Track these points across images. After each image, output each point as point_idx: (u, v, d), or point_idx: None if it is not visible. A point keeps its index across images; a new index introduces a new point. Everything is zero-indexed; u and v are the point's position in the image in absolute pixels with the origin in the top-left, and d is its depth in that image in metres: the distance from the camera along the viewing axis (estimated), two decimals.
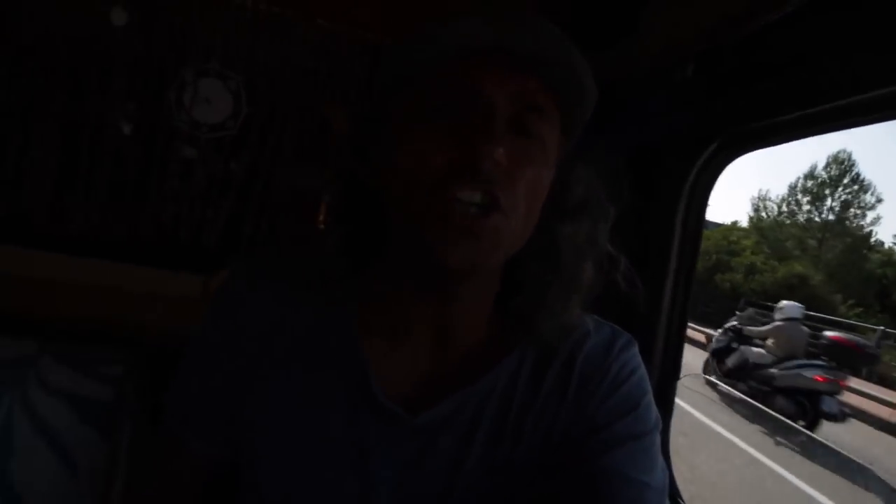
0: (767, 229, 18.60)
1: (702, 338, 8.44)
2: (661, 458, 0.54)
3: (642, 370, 0.57)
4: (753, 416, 5.80)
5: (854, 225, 17.94)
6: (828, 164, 18.30)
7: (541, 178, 0.49)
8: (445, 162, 0.45)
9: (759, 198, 21.24)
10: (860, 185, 17.83)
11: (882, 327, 10.34)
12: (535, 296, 0.54)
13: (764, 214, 19.68)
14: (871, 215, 17.83)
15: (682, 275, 0.94)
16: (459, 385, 0.53)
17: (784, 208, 19.21)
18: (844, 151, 18.26)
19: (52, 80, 1.25)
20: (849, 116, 0.64)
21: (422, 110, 0.47)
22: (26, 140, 1.27)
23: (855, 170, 17.81)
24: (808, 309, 8.01)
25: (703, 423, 5.41)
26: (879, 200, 17.44)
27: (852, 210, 18.01)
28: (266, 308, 0.55)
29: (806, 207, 18.51)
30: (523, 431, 0.53)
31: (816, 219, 18.28)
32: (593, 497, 0.50)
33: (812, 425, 5.44)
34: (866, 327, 10.86)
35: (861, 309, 13.92)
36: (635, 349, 0.58)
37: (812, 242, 17.63)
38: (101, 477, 0.83)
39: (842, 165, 18.07)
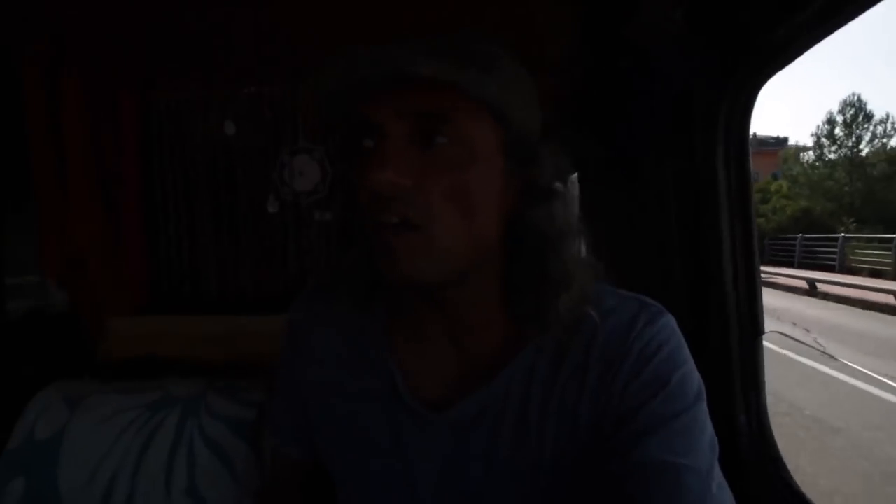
0: (799, 175, 22.26)
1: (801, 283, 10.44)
2: (708, 432, 0.50)
3: (674, 342, 0.53)
4: None
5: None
6: (841, 108, 21.48)
7: (467, 180, 0.48)
8: (366, 191, 0.49)
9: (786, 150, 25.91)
10: (870, 119, 21.05)
11: (843, 233, 15.54)
12: (529, 289, 0.53)
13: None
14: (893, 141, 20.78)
15: (738, 217, 0.87)
16: (482, 383, 0.56)
17: (811, 154, 23.01)
18: (853, 94, 21.87)
19: (200, 177, 1.66)
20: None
21: (349, 142, 0.53)
22: (192, 228, 1.69)
23: (867, 107, 21.09)
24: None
25: None
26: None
27: (869, 143, 21.19)
28: (315, 331, 0.67)
29: (833, 148, 21.92)
30: (546, 423, 0.54)
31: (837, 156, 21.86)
32: (627, 495, 0.47)
33: None
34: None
35: (856, 224, 17.73)
36: (665, 321, 0.54)
37: (842, 176, 20.88)
38: (252, 477, 1.06)
39: (853, 107, 21.29)
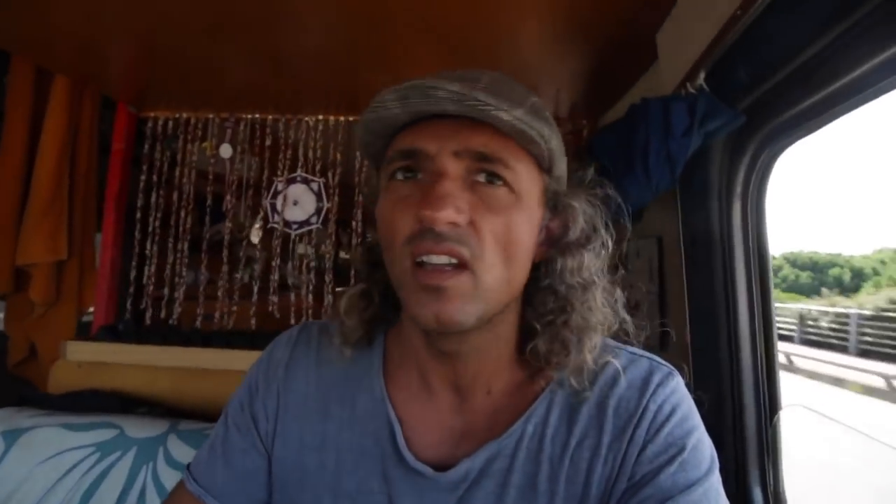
0: None
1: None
2: (722, 502, 0.49)
3: (686, 405, 0.53)
4: None
5: None
6: None
7: (513, 224, 0.48)
8: (409, 226, 0.47)
9: None
10: None
11: None
12: (547, 337, 0.53)
13: None
14: None
15: (755, 291, 0.87)
16: (488, 437, 0.54)
17: None
18: None
19: (185, 206, 1.62)
20: (866, 87, 0.61)
21: (390, 176, 0.51)
22: (173, 258, 1.63)
23: None
24: None
25: None
26: None
27: None
28: (298, 373, 0.61)
29: None
30: (557, 484, 0.52)
31: None
32: None
33: None
34: None
35: None
36: (676, 382, 0.54)
37: None
38: None
39: None
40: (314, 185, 1.62)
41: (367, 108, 0.49)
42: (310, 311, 1.61)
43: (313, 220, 1.62)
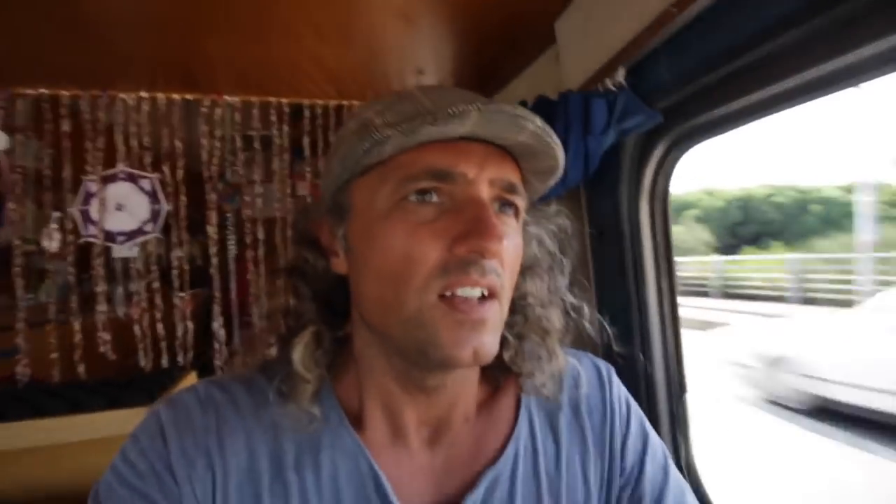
0: None
1: None
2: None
3: (627, 392, 0.62)
4: None
5: None
6: None
7: (518, 252, 0.50)
8: (437, 256, 0.44)
9: None
10: None
11: None
12: (520, 353, 0.55)
13: None
14: None
15: (663, 281, 0.93)
16: (473, 468, 0.52)
17: None
18: None
19: None
20: (782, 101, 0.67)
21: (402, 197, 0.45)
22: None
23: None
24: None
25: None
26: None
27: None
28: (234, 438, 0.49)
29: None
30: (560, 495, 0.53)
31: None
32: None
33: None
34: None
35: None
36: (614, 373, 0.61)
37: None
38: None
39: None
40: (145, 183, 1.28)
41: (405, 110, 0.45)
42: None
43: (148, 227, 1.29)
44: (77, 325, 1.26)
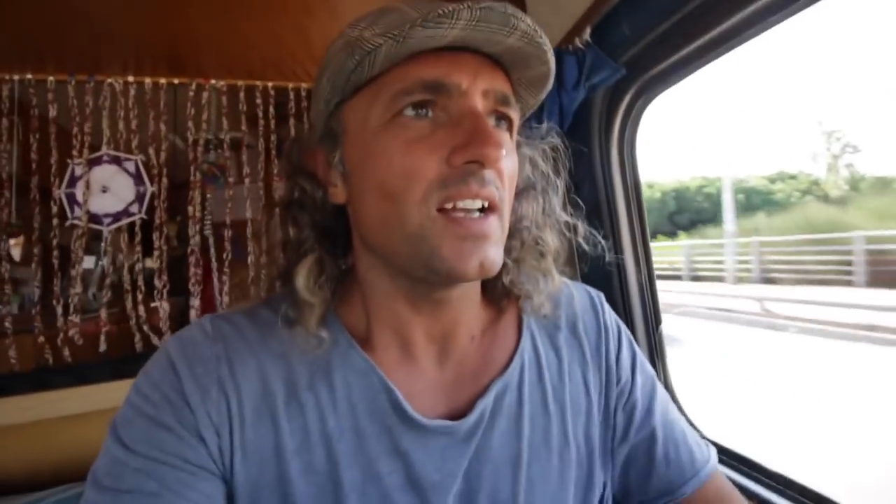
0: None
1: None
2: None
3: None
4: None
5: None
6: None
7: (515, 169, 0.50)
8: (435, 169, 0.44)
9: None
10: None
11: None
12: (518, 276, 0.57)
13: None
14: None
15: (635, 223, 1.03)
16: (481, 382, 0.54)
17: None
18: None
19: None
20: (726, 41, 0.78)
21: (396, 112, 0.45)
22: None
23: None
24: None
25: None
26: None
27: None
28: (248, 365, 0.50)
29: None
30: (564, 402, 0.57)
31: None
32: (659, 454, 0.59)
33: None
34: None
35: None
36: (604, 299, 0.65)
37: None
38: None
39: None
40: (129, 165, 1.30)
41: (392, 21, 0.43)
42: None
43: (133, 209, 1.30)
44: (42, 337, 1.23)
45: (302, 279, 0.50)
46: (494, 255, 0.46)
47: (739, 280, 11.13)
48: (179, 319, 1.44)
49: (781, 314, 7.34)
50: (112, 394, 1.06)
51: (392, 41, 0.41)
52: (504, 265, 0.53)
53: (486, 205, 0.45)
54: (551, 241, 0.58)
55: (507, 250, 0.54)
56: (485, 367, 0.55)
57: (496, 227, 0.46)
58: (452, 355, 0.54)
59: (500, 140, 0.44)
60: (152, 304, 1.35)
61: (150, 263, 1.42)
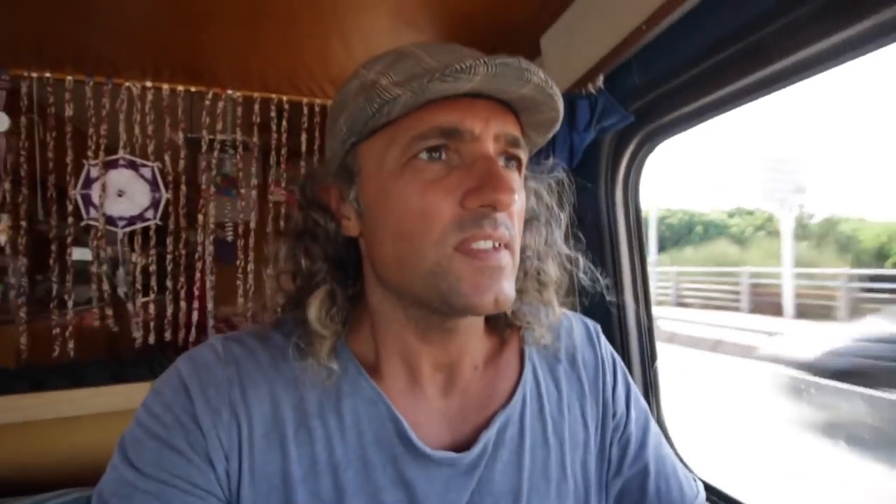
0: None
1: None
2: None
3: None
4: None
5: None
6: None
7: (524, 206, 0.52)
8: (451, 211, 0.46)
9: None
10: None
11: None
12: (518, 303, 0.58)
13: None
14: None
15: (636, 260, 1.07)
16: (484, 413, 0.56)
17: None
18: None
19: None
20: (730, 102, 0.83)
21: (411, 156, 0.47)
22: None
23: None
24: None
25: None
26: None
27: None
28: (259, 390, 0.51)
29: None
30: (563, 434, 0.59)
31: None
32: (651, 488, 0.61)
33: None
34: None
35: None
36: (600, 329, 0.68)
37: None
38: None
39: None
40: (146, 171, 1.33)
41: (410, 69, 0.46)
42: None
43: (149, 214, 1.33)
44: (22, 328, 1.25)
45: (314, 311, 0.51)
46: (509, 289, 0.48)
47: (659, 303, 12.97)
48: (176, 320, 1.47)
49: (667, 330, 8.71)
50: (106, 398, 1.09)
51: (411, 93, 0.44)
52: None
53: (497, 244, 0.47)
54: (553, 271, 0.60)
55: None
56: (488, 398, 0.57)
57: (509, 262, 0.48)
58: (457, 385, 0.56)
59: (512, 184, 0.45)
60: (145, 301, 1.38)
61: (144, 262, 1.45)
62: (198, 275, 1.40)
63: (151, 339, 1.34)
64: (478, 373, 0.58)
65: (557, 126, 0.54)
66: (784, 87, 0.76)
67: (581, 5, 1.01)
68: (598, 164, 1.07)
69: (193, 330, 1.42)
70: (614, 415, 0.62)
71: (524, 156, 0.52)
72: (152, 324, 1.36)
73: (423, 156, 0.47)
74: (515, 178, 0.51)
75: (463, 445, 0.54)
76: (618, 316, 1.08)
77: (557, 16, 1.08)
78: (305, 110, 1.42)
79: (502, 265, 0.47)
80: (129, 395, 1.09)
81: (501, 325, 0.61)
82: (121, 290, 1.32)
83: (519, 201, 0.49)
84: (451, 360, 0.55)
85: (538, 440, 0.57)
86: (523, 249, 0.56)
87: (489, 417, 0.55)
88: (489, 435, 0.54)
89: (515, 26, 1.12)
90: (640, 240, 1.08)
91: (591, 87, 0.98)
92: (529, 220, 0.58)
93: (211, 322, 1.43)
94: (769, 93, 0.78)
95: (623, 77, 0.95)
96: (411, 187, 0.47)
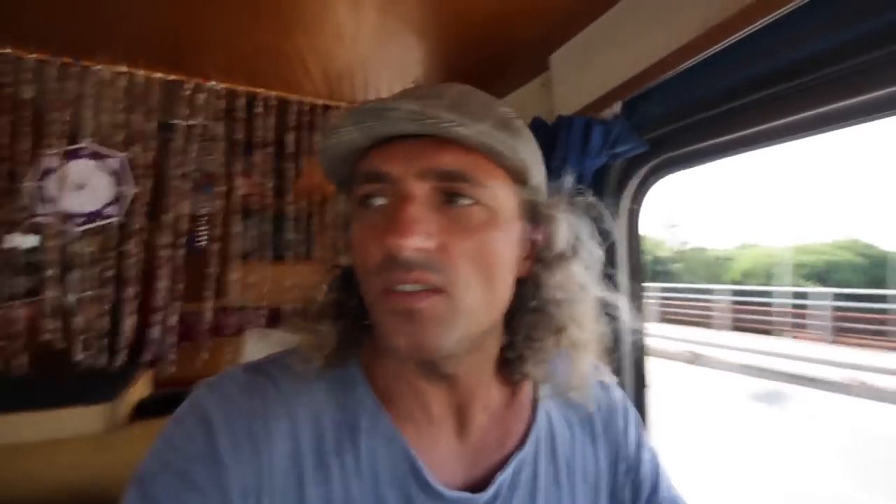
0: None
1: None
2: None
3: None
4: None
5: None
6: None
7: (490, 243, 0.48)
8: (377, 255, 0.46)
9: None
10: None
11: None
12: (527, 351, 0.56)
13: None
14: None
15: (634, 289, 1.09)
16: (501, 453, 0.57)
17: None
18: None
19: None
20: (745, 144, 0.85)
21: (358, 203, 0.50)
22: None
23: None
24: None
25: None
26: None
27: None
28: (279, 422, 0.50)
29: None
30: (575, 477, 0.60)
31: None
32: None
33: None
34: None
35: None
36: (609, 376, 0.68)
37: None
38: None
39: None
40: (112, 163, 1.21)
41: (328, 133, 0.48)
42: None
43: (110, 210, 1.22)
44: None
45: (333, 342, 0.53)
46: (434, 335, 0.45)
47: None
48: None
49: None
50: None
51: (324, 151, 0.50)
52: (511, 343, 0.57)
53: (426, 287, 0.45)
54: (589, 320, 0.57)
55: (515, 328, 0.56)
56: (502, 440, 0.57)
57: (439, 308, 0.45)
58: (471, 427, 0.56)
59: (411, 227, 0.44)
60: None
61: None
62: (161, 282, 1.30)
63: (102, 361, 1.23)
64: (491, 416, 0.58)
65: (539, 167, 0.53)
66: (799, 139, 0.79)
67: (600, 28, 1.01)
68: (603, 188, 1.07)
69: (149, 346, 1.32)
70: (626, 458, 0.64)
71: (480, 190, 0.47)
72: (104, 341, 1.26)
73: (365, 202, 0.49)
74: (463, 216, 0.47)
75: (477, 486, 0.54)
76: (613, 342, 1.09)
77: (570, 36, 1.08)
78: (295, 108, 1.35)
79: (419, 308, 0.45)
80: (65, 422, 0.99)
81: (510, 370, 0.59)
82: (71, 297, 1.20)
83: (468, 241, 0.46)
84: (460, 403, 0.56)
85: (551, 482, 0.58)
86: (545, 289, 0.55)
87: (503, 458, 0.56)
88: (504, 476, 0.54)
89: (523, 40, 1.12)
90: (638, 267, 1.10)
91: (607, 112, 0.98)
92: (555, 259, 0.55)
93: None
94: (787, 140, 0.80)
95: (642, 105, 0.95)
96: (357, 234, 0.50)
